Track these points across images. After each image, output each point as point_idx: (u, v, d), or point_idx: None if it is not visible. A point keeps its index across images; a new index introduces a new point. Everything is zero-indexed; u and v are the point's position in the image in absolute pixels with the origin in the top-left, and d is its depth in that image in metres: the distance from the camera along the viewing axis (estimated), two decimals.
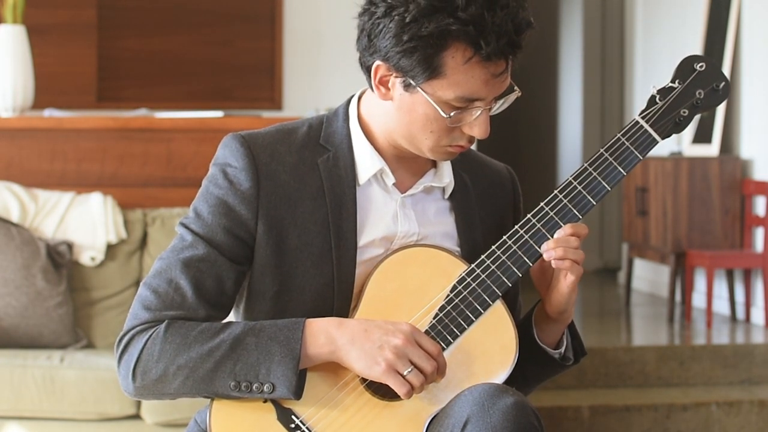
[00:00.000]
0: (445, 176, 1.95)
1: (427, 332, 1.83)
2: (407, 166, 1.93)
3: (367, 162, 1.90)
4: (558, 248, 1.83)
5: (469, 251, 1.92)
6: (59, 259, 3.87)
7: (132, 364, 1.84)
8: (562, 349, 1.96)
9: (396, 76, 1.81)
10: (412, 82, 1.80)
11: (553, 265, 1.85)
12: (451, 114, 1.79)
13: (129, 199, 4.17)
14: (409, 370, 1.77)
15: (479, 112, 1.81)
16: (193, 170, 4.24)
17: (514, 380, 1.93)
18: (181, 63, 6.22)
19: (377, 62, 1.82)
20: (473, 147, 1.95)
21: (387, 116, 1.87)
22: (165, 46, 6.20)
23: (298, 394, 1.80)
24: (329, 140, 1.92)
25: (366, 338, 1.78)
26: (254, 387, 1.79)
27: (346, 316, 1.87)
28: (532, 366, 1.96)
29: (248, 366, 1.79)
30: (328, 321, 1.81)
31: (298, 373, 1.78)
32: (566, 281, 1.86)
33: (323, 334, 1.80)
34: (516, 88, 1.86)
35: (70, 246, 3.92)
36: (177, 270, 1.85)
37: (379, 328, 1.79)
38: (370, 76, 1.85)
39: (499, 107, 1.84)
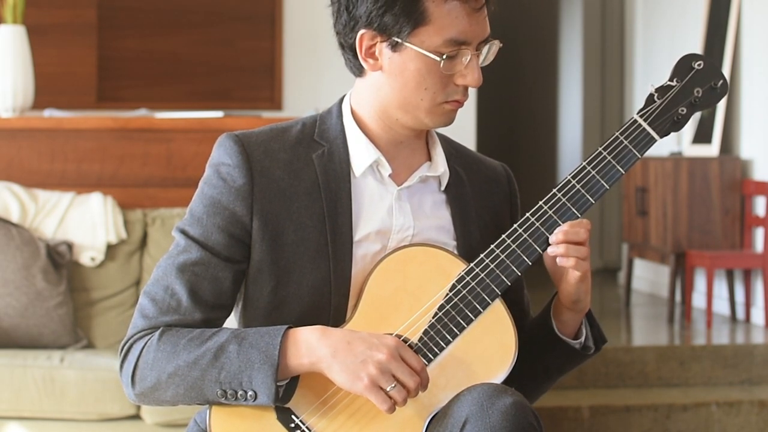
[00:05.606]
0: (440, 166, 1.95)
1: (426, 332, 1.83)
2: (403, 156, 1.94)
3: (362, 154, 1.91)
4: (560, 245, 1.83)
5: (465, 244, 1.93)
6: (59, 259, 3.87)
7: (131, 372, 1.86)
8: (582, 339, 1.96)
9: (382, 41, 1.84)
10: (398, 39, 1.82)
11: (558, 263, 1.86)
12: (444, 57, 1.81)
13: (129, 199, 4.17)
14: (393, 386, 1.74)
15: (468, 58, 1.83)
16: (193, 170, 4.24)
17: (535, 374, 1.95)
18: (181, 63, 6.21)
19: (361, 32, 1.85)
20: (472, 147, 1.95)
21: (379, 91, 1.88)
22: (165, 46, 6.20)
23: (282, 400, 1.79)
24: (323, 136, 1.93)
25: (349, 351, 1.76)
26: (239, 394, 1.79)
27: (344, 312, 1.87)
28: (554, 358, 1.97)
29: (231, 374, 1.79)
30: (311, 330, 1.80)
31: (276, 380, 1.77)
32: (572, 275, 1.86)
33: (304, 345, 1.78)
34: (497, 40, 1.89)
35: (70, 246, 3.92)
36: (172, 276, 1.86)
37: (363, 341, 1.77)
38: (355, 54, 1.87)
39: (485, 57, 1.86)
